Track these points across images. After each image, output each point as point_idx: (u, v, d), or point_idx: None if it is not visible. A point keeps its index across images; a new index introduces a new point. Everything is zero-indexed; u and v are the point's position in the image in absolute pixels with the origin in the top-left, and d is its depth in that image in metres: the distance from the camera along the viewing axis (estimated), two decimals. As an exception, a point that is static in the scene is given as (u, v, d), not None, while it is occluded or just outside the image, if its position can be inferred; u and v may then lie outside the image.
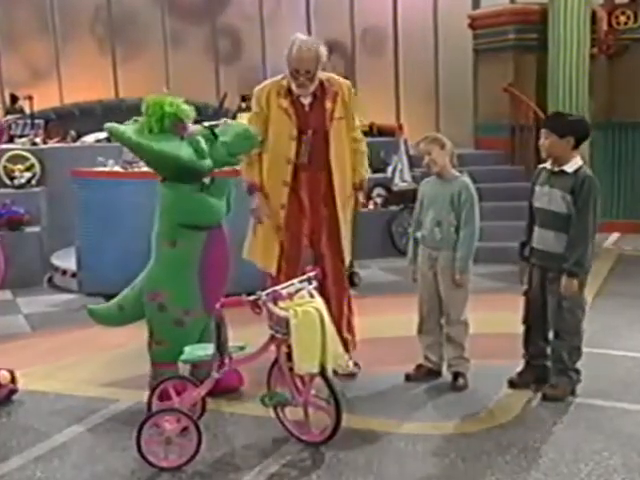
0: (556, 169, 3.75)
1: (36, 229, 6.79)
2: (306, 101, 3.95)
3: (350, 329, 4.17)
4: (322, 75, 3.98)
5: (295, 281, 3.26)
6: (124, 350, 4.71)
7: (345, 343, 3.85)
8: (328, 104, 3.96)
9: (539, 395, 3.82)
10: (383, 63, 11.52)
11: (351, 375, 4.05)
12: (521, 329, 3.96)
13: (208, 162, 3.57)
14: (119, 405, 3.80)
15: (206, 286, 3.62)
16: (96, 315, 3.94)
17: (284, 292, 3.16)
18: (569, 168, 3.72)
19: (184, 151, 3.53)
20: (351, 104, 4.04)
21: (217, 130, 3.68)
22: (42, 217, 7.00)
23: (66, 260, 6.59)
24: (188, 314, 3.63)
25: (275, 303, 3.12)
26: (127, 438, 3.30)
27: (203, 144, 3.55)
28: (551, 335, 3.87)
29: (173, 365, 3.57)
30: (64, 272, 6.49)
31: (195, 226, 3.62)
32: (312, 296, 3.23)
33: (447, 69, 11.01)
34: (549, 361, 3.92)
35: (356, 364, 4.13)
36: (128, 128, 3.57)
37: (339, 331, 3.75)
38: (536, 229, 3.82)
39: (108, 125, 3.57)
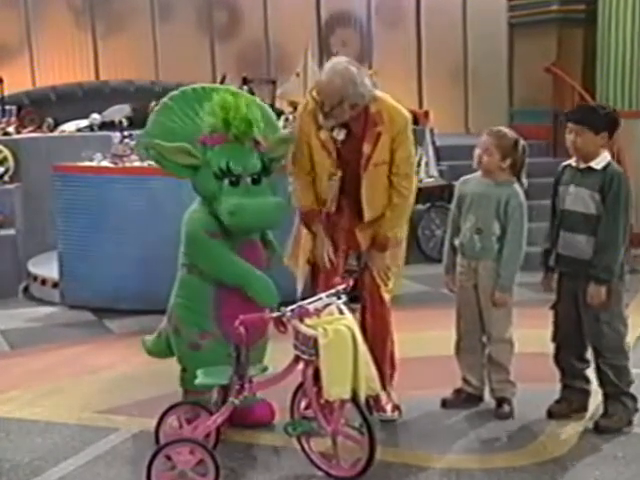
0: (582, 166, 3.85)
1: (10, 231, 6.89)
2: (339, 136, 3.79)
3: (392, 364, 4.14)
4: (373, 105, 3.77)
5: (323, 295, 3.35)
6: (117, 372, 4.82)
7: (383, 378, 3.83)
8: (366, 147, 3.77)
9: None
10: (403, 38, 11.62)
11: (390, 421, 4.02)
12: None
13: (179, 170, 3.69)
14: (120, 435, 3.88)
15: (224, 307, 3.70)
16: (146, 346, 4.09)
17: (311, 307, 3.25)
18: (597, 164, 3.81)
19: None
20: (401, 144, 3.81)
21: None
22: (17, 218, 7.10)
23: (45, 267, 6.70)
24: (203, 337, 3.73)
25: (301, 320, 3.21)
26: (132, 472, 3.40)
27: (190, 153, 3.64)
28: (589, 354, 3.99)
29: (206, 393, 3.66)
30: (43, 281, 6.60)
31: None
32: (342, 312, 3.32)
33: (478, 45, 11.09)
34: (588, 384, 4.03)
35: (397, 408, 4.07)
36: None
37: (380, 365, 3.77)
38: (562, 233, 3.91)
39: None
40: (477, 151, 4.04)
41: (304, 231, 4.02)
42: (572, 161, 3.92)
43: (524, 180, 4.07)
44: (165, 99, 3.83)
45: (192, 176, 3.70)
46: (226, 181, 3.61)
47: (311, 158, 3.87)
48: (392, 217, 3.92)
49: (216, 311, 3.72)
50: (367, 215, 3.90)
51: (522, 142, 4.03)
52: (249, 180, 3.64)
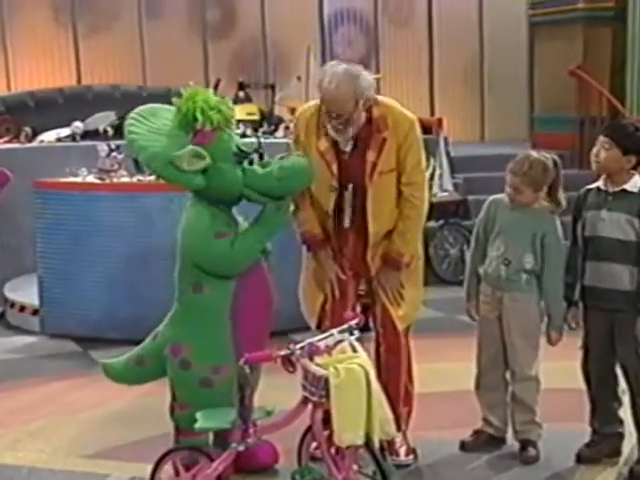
0: (613, 189, 3.90)
1: (-16, 253, 6.97)
2: (347, 148, 3.88)
3: (408, 401, 4.16)
4: (376, 109, 3.86)
5: (334, 331, 3.40)
6: (105, 410, 4.85)
7: (397, 419, 3.86)
8: (371, 155, 3.85)
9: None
10: (413, 38, 11.69)
11: (405, 466, 4.05)
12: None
13: (198, 180, 3.71)
14: (111, 482, 3.94)
15: (240, 337, 3.76)
16: (111, 371, 4.10)
17: (321, 345, 3.30)
18: (632, 187, 3.87)
19: (166, 152, 3.69)
20: (409, 149, 3.88)
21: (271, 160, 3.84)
22: (-9, 237, 7.17)
23: (23, 292, 6.75)
24: (218, 372, 3.74)
25: (311, 359, 3.26)
26: (125, 525, 3.43)
27: (202, 155, 3.68)
28: (625, 395, 4.03)
29: (202, 434, 3.70)
30: (22, 308, 6.64)
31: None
32: (354, 350, 3.36)
33: (495, 46, 11.17)
34: (622, 426, 4.06)
35: (412, 451, 4.11)
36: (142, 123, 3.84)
37: (394, 405, 3.79)
38: (591, 264, 3.95)
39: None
40: (508, 190, 4.08)
41: (312, 259, 4.08)
42: (600, 184, 3.96)
43: (562, 198, 4.09)
44: (128, 128, 3.87)
45: (207, 181, 3.75)
46: (245, 163, 3.78)
47: None
48: (405, 230, 3.96)
49: (233, 332, 3.76)
50: (372, 229, 3.93)
51: (551, 161, 4.05)
52: (256, 157, 3.82)
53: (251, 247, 3.77)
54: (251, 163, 3.79)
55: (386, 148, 3.86)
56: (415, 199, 3.94)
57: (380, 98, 3.96)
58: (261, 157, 3.82)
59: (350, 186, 3.91)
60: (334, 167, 3.90)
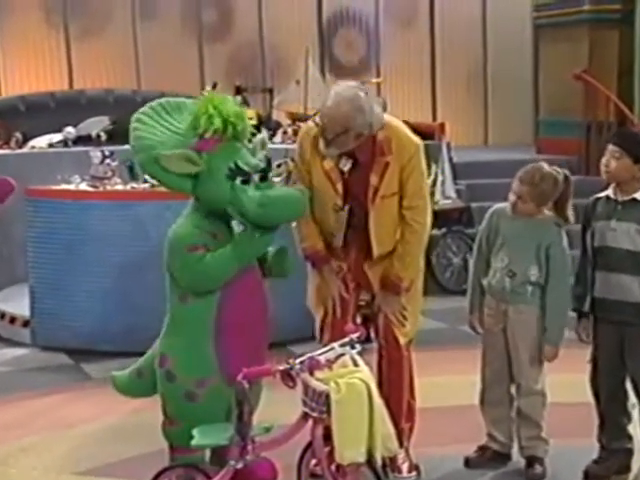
0: (623, 198, 3.91)
1: (-27, 262, 6.96)
2: (345, 167, 3.91)
3: (410, 416, 4.18)
4: (381, 132, 3.87)
5: (335, 345, 3.40)
6: (98, 425, 4.84)
7: (399, 433, 3.84)
8: (373, 179, 3.88)
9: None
10: (415, 40, 11.71)
11: None
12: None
13: (184, 183, 3.71)
14: (104, 501, 3.95)
15: (225, 350, 3.74)
16: (118, 383, 4.09)
17: (322, 359, 3.30)
18: None
19: (160, 148, 3.70)
20: (411, 173, 3.90)
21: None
22: (-20, 246, 7.17)
23: (14, 303, 6.75)
24: (202, 385, 3.73)
25: (311, 373, 3.25)
26: None
27: (193, 160, 3.69)
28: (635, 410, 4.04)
29: (197, 451, 3.69)
30: (12, 319, 6.63)
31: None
32: (356, 364, 3.36)
33: (499, 48, 11.19)
34: (631, 442, 4.06)
35: (415, 467, 4.11)
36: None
37: (396, 421, 3.79)
38: (600, 275, 3.96)
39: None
40: (511, 197, 4.09)
41: (316, 275, 4.09)
42: (609, 193, 3.97)
43: (570, 214, 4.10)
44: (137, 115, 3.88)
45: (196, 187, 3.75)
46: (238, 180, 3.73)
47: (311, 189, 3.95)
48: (404, 254, 3.98)
49: (217, 345, 3.74)
50: (376, 251, 3.98)
51: (562, 176, 4.05)
52: (257, 178, 3.77)
53: (219, 267, 3.69)
54: (247, 182, 3.73)
55: (389, 172, 3.89)
56: (416, 224, 3.97)
57: (387, 119, 3.95)
58: (263, 179, 3.78)
59: (347, 207, 3.93)
60: (339, 186, 3.93)
